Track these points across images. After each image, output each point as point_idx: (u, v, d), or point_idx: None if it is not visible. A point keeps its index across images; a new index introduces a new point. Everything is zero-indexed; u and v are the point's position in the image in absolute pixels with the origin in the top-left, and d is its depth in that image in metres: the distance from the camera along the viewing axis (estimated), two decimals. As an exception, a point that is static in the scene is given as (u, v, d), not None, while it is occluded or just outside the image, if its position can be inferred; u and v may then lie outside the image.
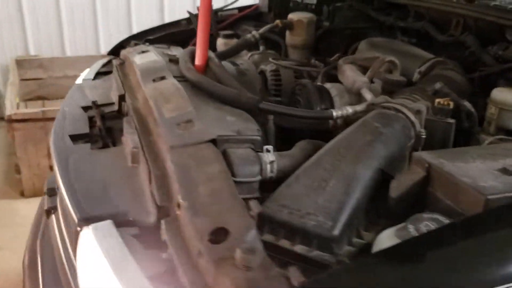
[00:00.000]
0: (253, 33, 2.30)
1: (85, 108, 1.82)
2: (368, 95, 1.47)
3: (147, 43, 2.38)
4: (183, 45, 2.60)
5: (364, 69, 1.66)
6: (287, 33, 2.42)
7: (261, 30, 2.33)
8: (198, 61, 1.70)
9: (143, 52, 2.03)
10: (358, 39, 2.43)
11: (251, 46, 2.33)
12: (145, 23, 4.15)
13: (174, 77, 1.68)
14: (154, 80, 1.67)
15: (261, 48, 2.40)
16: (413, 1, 2.28)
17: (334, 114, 1.40)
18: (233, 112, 1.43)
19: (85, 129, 1.63)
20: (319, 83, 1.68)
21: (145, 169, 1.28)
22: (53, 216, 1.60)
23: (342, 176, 1.12)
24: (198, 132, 1.28)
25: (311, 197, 1.09)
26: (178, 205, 1.08)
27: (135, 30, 4.80)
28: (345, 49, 2.42)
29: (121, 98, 1.76)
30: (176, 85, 1.57)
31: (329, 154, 1.20)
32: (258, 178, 1.20)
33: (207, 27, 1.66)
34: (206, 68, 1.72)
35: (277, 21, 2.37)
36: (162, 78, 1.69)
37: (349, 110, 1.41)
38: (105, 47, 4.94)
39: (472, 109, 1.37)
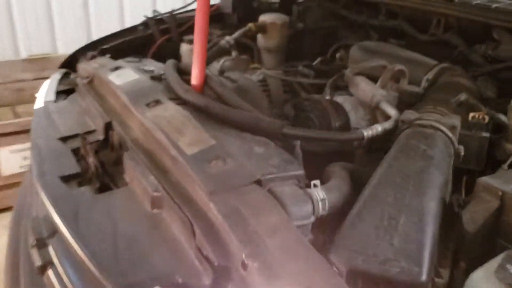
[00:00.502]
0: (227, 39, 2.15)
1: (63, 139, 1.59)
2: (391, 110, 1.40)
3: (108, 55, 2.16)
4: (142, 53, 2.40)
5: (370, 79, 1.58)
6: (260, 36, 2.30)
7: (235, 35, 2.18)
8: (195, 79, 1.53)
9: (116, 69, 1.82)
10: (331, 39, 2.36)
11: (225, 53, 2.18)
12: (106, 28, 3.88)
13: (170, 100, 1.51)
14: (148, 105, 1.49)
15: (234, 53, 2.25)
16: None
17: (365, 134, 1.32)
18: (256, 141, 1.30)
19: (75, 168, 1.42)
20: (327, 96, 1.58)
21: (175, 218, 1.12)
22: (50, 273, 1.38)
23: (411, 211, 1.04)
24: (236, 172, 1.13)
25: (384, 238, 1.00)
26: (244, 265, 0.94)
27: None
28: (319, 50, 2.35)
29: (108, 126, 1.55)
30: (181, 111, 1.41)
31: (386, 186, 1.11)
32: (312, 219, 1.09)
33: (205, 39, 1.49)
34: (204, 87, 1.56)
35: (250, 25, 2.24)
36: (157, 102, 1.51)
37: (379, 129, 1.33)
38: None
39: (507, 122, 1.34)
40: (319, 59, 2.10)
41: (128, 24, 3.15)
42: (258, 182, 1.10)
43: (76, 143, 1.58)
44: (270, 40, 2.28)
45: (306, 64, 2.02)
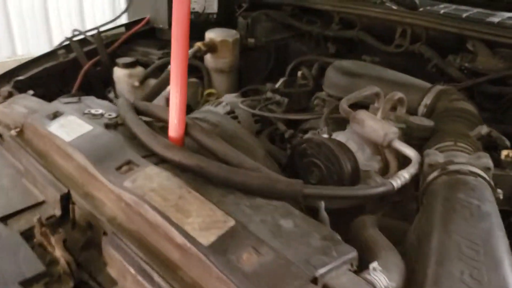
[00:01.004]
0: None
1: (2, 219, 1.24)
2: (409, 151, 1.23)
3: (31, 92, 1.77)
4: (64, 82, 2.03)
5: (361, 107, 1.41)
6: (209, 56, 2.03)
7: (184, 58, 1.89)
8: (174, 130, 1.24)
9: (56, 116, 1.46)
10: (284, 54, 2.16)
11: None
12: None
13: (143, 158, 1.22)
14: (119, 169, 1.19)
15: (182, 78, 1.96)
16: (340, 8, 2.09)
17: (395, 185, 1.14)
18: (275, 210, 1.06)
19: (36, 265, 1.08)
20: (325, 134, 1.38)
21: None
22: None
23: (495, 291, 0.88)
24: (280, 269, 0.90)
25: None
26: None
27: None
28: (272, 67, 2.14)
29: (66, 198, 1.23)
30: (171, 178, 1.13)
31: (456, 260, 0.93)
32: (378, 312, 0.89)
33: (184, 77, 1.21)
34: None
35: (199, 44, 1.96)
36: (129, 164, 1.21)
37: (406, 176, 1.16)
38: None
39: (538, 157, 1.23)
40: (282, 80, 1.89)
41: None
42: (314, 280, 0.88)
43: (22, 222, 1.24)
44: (222, 59, 2.03)
45: (273, 89, 1.80)
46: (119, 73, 2.01)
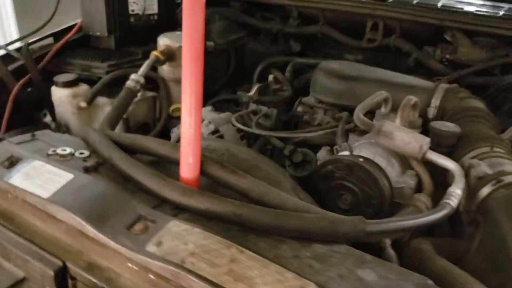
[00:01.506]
0: (135, 78, 1.58)
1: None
2: (449, 163, 1.12)
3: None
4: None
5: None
6: (165, 65, 1.77)
7: (142, 71, 1.62)
8: (189, 169, 1.01)
9: (13, 163, 1.15)
10: (243, 55, 1.97)
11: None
12: None
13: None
14: (130, 228, 0.94)
15: (140, 94, 1.69)
16: (299, 2, 1.93)
17: (453, 205, 1.02)
18: (344, 258, 0.89)
19: None
20: (345, 152, 1.22)
21: None
22: None
23: None
24: None
25: None
26: None
27: None
28: (234, 71, 1.94)
29: (62, 274, 0.96)
30: (207, 234, 0.91)
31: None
32: None
33: (199, 100, 0.98)
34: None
35: (156, 53, 1.70)
36: (140, 219, 0.97)
37: (459, 193, 1.05)
38: None
39: None
40: (256, 87, 1.70)
41: None
42: None
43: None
44: (180, 68, 1.77)
45: (255, 99, 1.60)
46: (60, 94, 1.69)
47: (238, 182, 1.01)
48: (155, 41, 1.99)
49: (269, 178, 1.09)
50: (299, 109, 1.62)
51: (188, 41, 0.93)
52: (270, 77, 1.77)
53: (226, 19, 2.01)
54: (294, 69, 1.79)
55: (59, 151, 1.20)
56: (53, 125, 1.78)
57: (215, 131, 1.46)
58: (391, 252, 0.95)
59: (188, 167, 1.02)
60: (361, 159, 1.14)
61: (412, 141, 1.15)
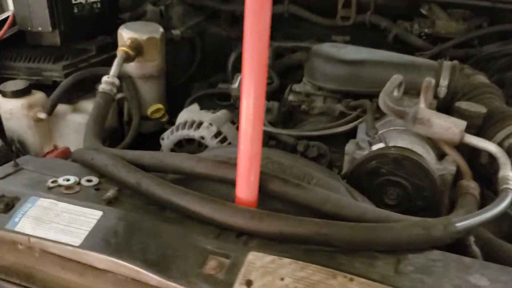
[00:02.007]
0: (110, 80, 1.36)
1: None
2: (490, 146, 1.08)
3: None
4: None
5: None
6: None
7: (115, 71, 1.40)
8: (248, 189, 0.87)
9: (9, 205, 0.93)
10: (202, 41, 1.80)
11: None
12: None
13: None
14: (201, 267, 0.79)
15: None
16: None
17: (515, 189, 0.99)
18: (448, 266, 0.82)
19: None
20: (381, 144, 1.13)
21: None
22: None
23: None
24: None
25: None
26: None
27: None
28: (199, 60, 1.76)
29: None
30: (299, 263, 0.79)
31: None
32: None
33: (261, 108, 0.83)
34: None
35: (125, 49, 1.47)
36: (208, 254, 0.82)
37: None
38: None
39: None
40: (239, 78, 1.55)
41: None
42: None
43: None
44: (150, 63, 1.57)
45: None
46: (10, 105, 1.41)
47: (307, 196, 0.89)
48: (102, 33, 1.75)
49: (326, 184, 0.98)
50: (291, 97, 1.51)
51: (252, 38, 0.78)
52: (249, 65, 1.63)
53: (183, 3, 1.81)
54: (274, 54, 1.67)
55: (61, 181, 0.99)
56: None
57: (218, 133, 1.30)
58: (476, 249, 0.90)
59: (248, 186, 0.88)
60: (407, 151, 1.07)
61: (452, 126, 1.11)
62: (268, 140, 1.40)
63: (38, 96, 1.45)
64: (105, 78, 1.36)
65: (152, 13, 1.71)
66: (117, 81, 1.38)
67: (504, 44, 1.64)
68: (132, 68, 1.57)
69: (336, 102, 1.45)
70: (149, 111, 1.53)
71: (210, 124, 1.30)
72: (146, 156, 1.02)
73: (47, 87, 1.51)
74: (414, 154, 1.08)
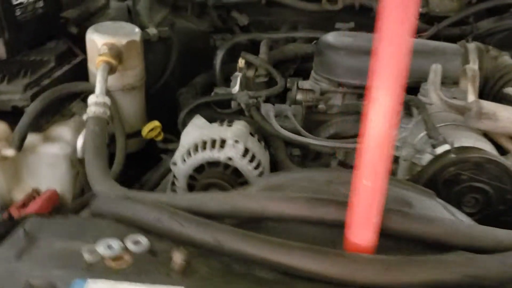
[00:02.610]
0: (100, 100, 1.09)
1: None
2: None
3: None
4: None
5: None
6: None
7: (101, 88, 1.13)
8: (369, 231, 0.70)
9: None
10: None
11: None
12: None
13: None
14: None
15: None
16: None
17: None
18: None
19: None
20: (446, 146, 1.00)
21: None
22: None
23: None
24: None
25: None
26: None
27: None
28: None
29: None
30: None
31: None
32: None
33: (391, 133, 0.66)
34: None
35: (106, 58, 1.19)
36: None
37: None
38: None
39: None
40: (239, 78, 1.33)
41: None
42: None
43: None
44: (131, 71, 1.30)
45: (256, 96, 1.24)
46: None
47: (434, 230, 0.73)
48: (48, 38, 1.43)
49: (428, 207, 0.84)
50: (299, 97, 1.34)
51: (391, 45, 0.60)
52: (241, 62, 1.42)
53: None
54: (268, 48, 1.47)
55: (101, 250, 0.74)
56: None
57: (245, 151, 1.09)
58: None
59: (368, 229, 0.71)
60: (485, 153, 0.96)
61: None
62: (291, 148, 1.23)
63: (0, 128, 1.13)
64: (92, 99, 1.09)
65: (118, 9, 1.43)
66: (108, 100, 1.11)
67: (499, 20, 1.59)
68: (109, 80, 1.29)
69: (356, 98, 1.30)
70: (144, 130, 1.27)
71: (236, 141, 1.09)
72: (206, 199, 0.81)
73: (4, 114, 1.19)
74: (495, 156, 0.96)
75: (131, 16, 1.45)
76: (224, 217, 0.79)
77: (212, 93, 1.36)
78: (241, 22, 1.65)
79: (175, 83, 1.55)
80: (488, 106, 1.02)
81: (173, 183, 1.17)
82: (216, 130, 1.15)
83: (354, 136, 1.28)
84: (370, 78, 1.22)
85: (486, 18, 1.62)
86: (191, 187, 1.14)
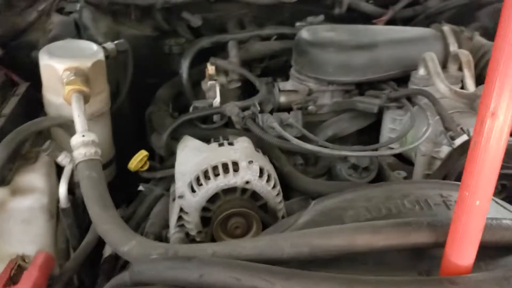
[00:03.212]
0: (87, 139, 0.92)
1: None
2: None
3: None
4: None
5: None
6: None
7: (82, 123, 0.95)
8: (470, 250, 0.65)
9: None
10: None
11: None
12: None
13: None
14: None
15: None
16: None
17: None
18: None
19: None
20: (464, 136, 0.98)
21: None
22: None
23: None
24: None
25: None
26: None
27: None
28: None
29: None
30: None
31: None
32: None
33: None
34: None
35: (76, 87, 1.00)
36: None
37: None
38: None
39: None
40: (218, 89, 1.20)
41: None
42: None
43: None
44: (98, 96, 1.12)
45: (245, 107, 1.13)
46: None
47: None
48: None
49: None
50: (283, 99, 1.26)
51: None
52: (211, 69, 1.29)
53: (90, 4, 1.33)
54: (238, 50, 1.36)
55: None
56: None
57: (261, 172, 0.99)
58: None
59: (473, 247, 0.67)
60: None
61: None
62: (292, 157, 1.15)
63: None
64: (78, 139, 0.92)
65: (63, 24, 1.22)
66: (95, 138, 0.94)
67: (444, -2, 1.63)
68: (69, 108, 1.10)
69: (343, 95, 1.26)
70: (132, 162, 1.09)
71: (250, 162, 0.99)
72: (278, 243, 0.71)
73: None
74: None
75: (78, 31, 1.25)
76: (301, 260, 0.70)
77: (191, 108, 1.22)
78: (194, 23, 1.51)
79: (127, 99, 1.38)
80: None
81: (179, 218, 1.03)
82: (222, 152, 1.03)
83: (351, 134, 1.25)
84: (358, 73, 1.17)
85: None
86: (205, 221, 1.01)
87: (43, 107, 1.16)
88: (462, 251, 0.66)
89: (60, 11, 1.27)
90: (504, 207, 0.86)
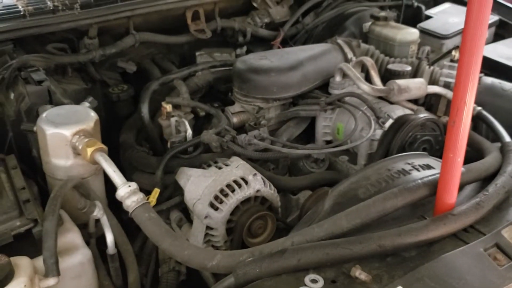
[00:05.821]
0: (132, 189, 1.06)
1: None
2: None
3: None
4: None
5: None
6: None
7: (120, 178, 1.08)
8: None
9: None
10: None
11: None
12: None
13: None
14: None
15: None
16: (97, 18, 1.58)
17: None
18: None
19: None
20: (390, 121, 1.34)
21: None
22: None
23: None
24: None
25: None
26: None
27: None
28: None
29: None
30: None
31: None
32: None
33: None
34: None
35: (95, 147, 1.11)
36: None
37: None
38: None
39: None
40: (187, 123, 1.38)
41: None
42: None
43: None
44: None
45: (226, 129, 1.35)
46: None
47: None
48: None
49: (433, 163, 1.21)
50: (235, 120, 1.51)
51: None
52: (169, 107, 1.45)
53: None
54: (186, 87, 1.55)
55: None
56: None
57: (263, 180, 1.25)
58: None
59: (455, 189, 1.02)
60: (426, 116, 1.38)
61: (419, 84, 1.46)
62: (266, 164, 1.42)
63: None
64: (125, 190, 1.06)
65: (39, 94, 1.28)
66: (137, 186, 1.09)
67: (315, 15, 2.02)
68: (81, 168, 1.21)
69: (282, 108, 1.57)
70: (152, 201, 1.23)
71: (254, 174, 1.24)
72: (339, 222, 0.98)
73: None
74: (430, 115, 1.39)
75: (50, 97, 1.32)
76: (355, 229, 0.99)
77: (168, 144, 1.40)
78: (129, 69, 1.65)
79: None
80: (402, 82, 1.44)
81: (206, 235, 1.23)
82: (226, 172, 1.25)
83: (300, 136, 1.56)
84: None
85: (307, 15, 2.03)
86: (229, 231, 1.23)
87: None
88: (450, 192, 1.01)
89: (27, 81, 1.32)
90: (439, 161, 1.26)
